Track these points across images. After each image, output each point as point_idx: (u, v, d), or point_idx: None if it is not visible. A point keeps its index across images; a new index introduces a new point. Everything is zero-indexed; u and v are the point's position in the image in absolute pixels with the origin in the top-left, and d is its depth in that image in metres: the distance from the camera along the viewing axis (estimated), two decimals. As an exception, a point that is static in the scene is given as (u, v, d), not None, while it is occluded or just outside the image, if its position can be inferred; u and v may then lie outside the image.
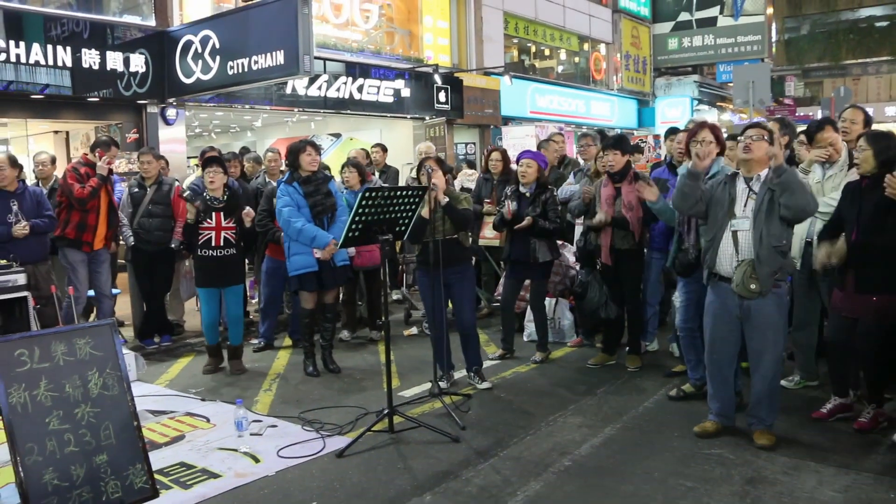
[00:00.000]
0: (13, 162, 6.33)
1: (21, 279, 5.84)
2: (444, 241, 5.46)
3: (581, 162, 7.75)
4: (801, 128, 6.90)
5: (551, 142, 8.09)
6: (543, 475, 4.13)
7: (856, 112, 5.45)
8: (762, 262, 4.26)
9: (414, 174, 8.38)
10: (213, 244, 6.18)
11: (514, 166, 7.08)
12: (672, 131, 7.37)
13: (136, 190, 7.15)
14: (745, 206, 4.38)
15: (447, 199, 5.50)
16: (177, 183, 7.28)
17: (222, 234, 6.19)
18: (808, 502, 3.72)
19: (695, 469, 4.15)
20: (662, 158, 7.98)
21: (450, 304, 6.18)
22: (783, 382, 5.11)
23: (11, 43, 8.83)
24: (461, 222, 5.58)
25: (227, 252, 6.23)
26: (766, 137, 4.35)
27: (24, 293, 5.84)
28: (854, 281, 4.50)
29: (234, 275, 6.34)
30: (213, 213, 6.19)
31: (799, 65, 34.21)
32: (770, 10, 24.50)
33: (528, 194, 6.26)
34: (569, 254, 6.96)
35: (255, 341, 7.49)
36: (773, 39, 29.56)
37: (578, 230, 6.72)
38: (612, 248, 5.95)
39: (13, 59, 8.85)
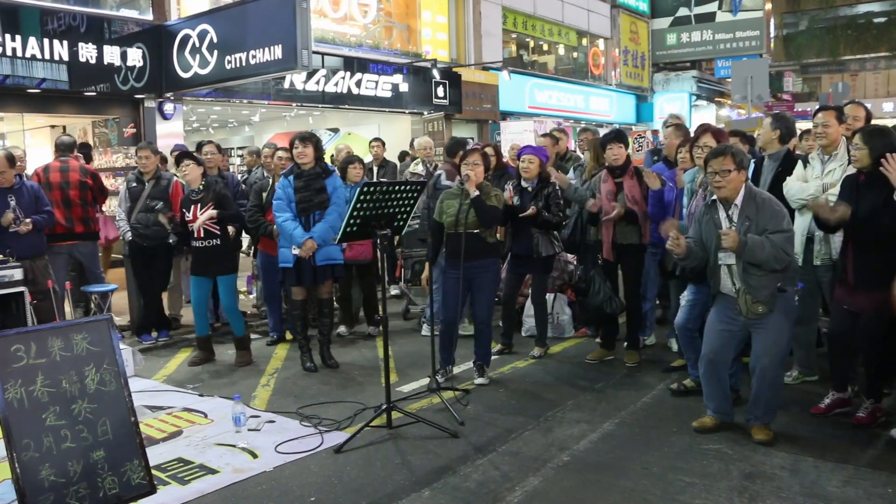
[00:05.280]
0: (11, 161, 6.30)
1: (18, 274, 5.83)
2: (465, 235, 5.46)
3: (582, 157, 7.74)
4: (797, 123, 6.87)
5: (550, 137, 8.06)
6: (542, 470, 4.12)
7: (857, 108, 5.43)
8: (755, 288, 4.26)
9: (413, 169, 8.41)
10: (195, 236, 6.31)
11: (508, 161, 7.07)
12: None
13: (134, 185, 7.12)
14: None
15: (477, 193, 5.50)
16: (175, 178, 7.25)
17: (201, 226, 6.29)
18: (807, 497, 3.72)
19: (693, 464, 4.15)
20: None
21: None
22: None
23: (8, 37, 8.78)
24: (486, 218, 5.55)
25: (210, 243, 6.31)
26: (731, 168, 4.27)
27: (21, 288, 5.82)
28: (854, 276, 4.49)
29: (220, 265, 6.39)
30: (192, 207, 6.31)
31: (797, 60, 34.15)
32: (768, 6, 24.47)
33: (530, 189, 6.24)
34: (567, 248, 6.95)
35: (254, 336, 7.49)
36: (772, 35, 29.50)
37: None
38: (613, 244, 5.94)
39: (9, 52, 8.79)
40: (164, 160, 8.04)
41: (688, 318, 5.19)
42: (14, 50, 8.83)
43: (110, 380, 3.48)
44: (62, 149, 7.41)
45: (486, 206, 5.52)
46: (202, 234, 6.27)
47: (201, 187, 6.33)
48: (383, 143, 9.65)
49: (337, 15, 13.89)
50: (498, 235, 7.19)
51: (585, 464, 4.22)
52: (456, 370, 5.99)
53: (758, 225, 4.25)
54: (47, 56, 9.14)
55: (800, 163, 5.31)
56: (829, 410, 4.78)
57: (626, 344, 6.28)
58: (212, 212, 6.22)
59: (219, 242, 6.32)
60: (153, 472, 3.62)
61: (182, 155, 6.52)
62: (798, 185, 5.15)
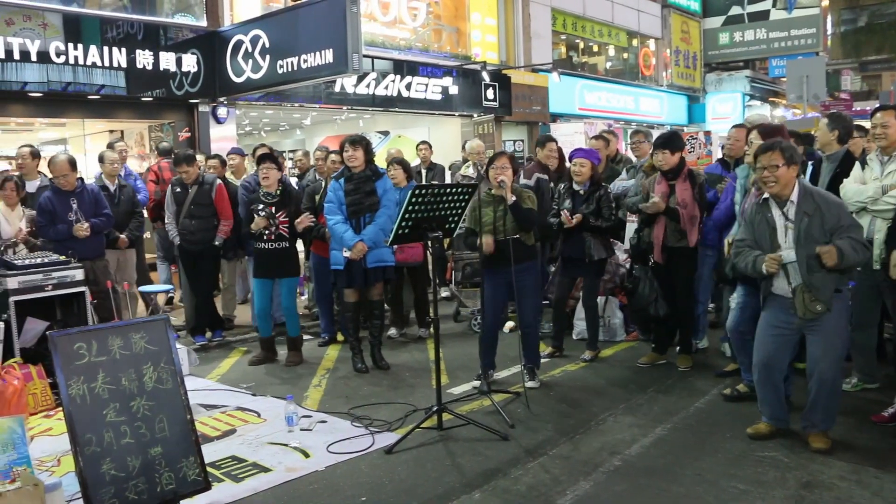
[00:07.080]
0: (73, 165, 6.49)
1: (79, 275, 5.99)
2: (505, 241, 5.43)
3: (633, 159, 7.67)
4: (856, 122, 6.68)
5: (601, 139, 7.99)
6: (593, 475, 4.09)
7: None
8: (817, 287, 4.12)
9: (464, 171, 8.42)
10: (265, 238, 6.38)
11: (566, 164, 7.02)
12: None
13: (178, 190, 7.20)
14: (785, 235, 4.22)
15: (514, 199, 5.47)
16: (218, 181, 7.33)
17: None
18: (868, 508, 3.62)
19: (748, 471, 4.06)
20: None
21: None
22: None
23: (70, 45, 9.07)
24: (526, 223, 5.52)
25: (280, 245, 6.43)
26: (780, 163, 4.14)
27: (82, 288, 5.99)
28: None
29: (287, 267, 6.52)
30: (266, 209, 6.37)
31: (856, 58, 33.21)
32: (825, 2, 23.86)
33: (581, 192, 6.20)
34: (619, 251, 6.87)
35: (306, 337, 7.57)
36: (829, 32, 28.77)
37: (631, 227, 6.63)
38: (664, 246, 5.87)
39: (72, 61, 9.10)
40: (223, 163, 8.17)
41: (739, 320, 5.09)
42: (76, 58, 9.12)
43: (167, 378, 3.57)
44: (164, 153, 8.85)
45: (524, 210, 5.48)
46: (273, 237, 6.38)
47: (278, 192, 6.44)
48: (430, 147, 9.69)
49: (387, 18, 13.99)
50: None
51: (637, 469, 4.17)
52: (504, 373, 5.98)
53: (824, 220, 4.10)
54: (106, 63, 9.42)
55: (857, 164, 5.16)
56: (892, 419, 4.63)
57: (678, 348, 6.19)
58: (309, 219, 6.40)
59: (287, 245, 6.45)
60: (208, 469, 3.70)
61: (263, 157, 6.56)
62: (856, 187, 5.01)
